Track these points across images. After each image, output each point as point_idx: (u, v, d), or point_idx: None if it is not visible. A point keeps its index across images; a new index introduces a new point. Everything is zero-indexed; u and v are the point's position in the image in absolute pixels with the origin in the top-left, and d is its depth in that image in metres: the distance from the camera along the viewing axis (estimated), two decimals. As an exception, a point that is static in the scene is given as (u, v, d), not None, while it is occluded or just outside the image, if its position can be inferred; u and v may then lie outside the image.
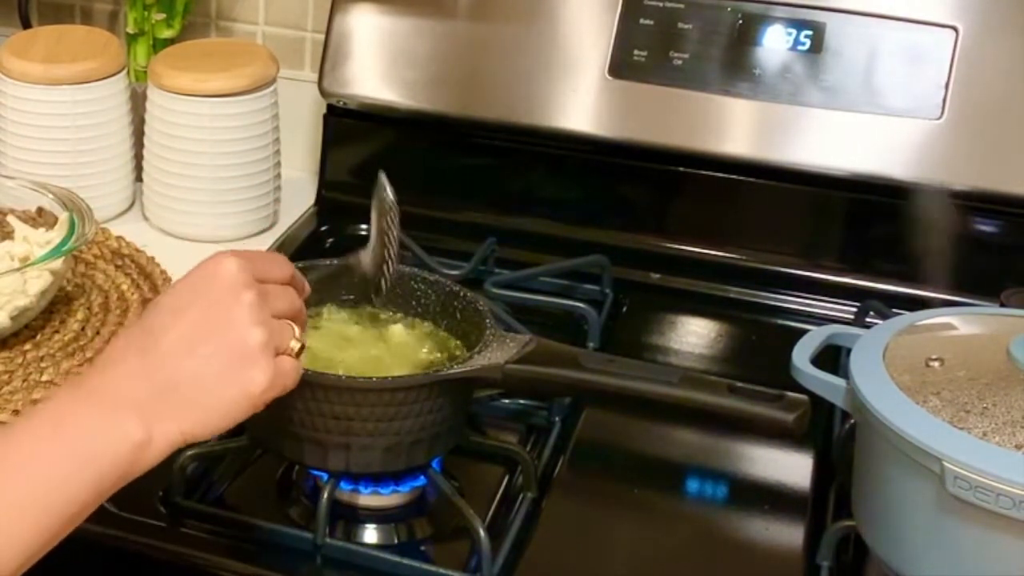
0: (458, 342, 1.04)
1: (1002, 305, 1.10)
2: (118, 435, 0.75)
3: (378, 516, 0.99)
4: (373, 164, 1.44)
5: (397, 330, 1.05)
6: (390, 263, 0.99)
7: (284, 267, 0.86)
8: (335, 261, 1.06)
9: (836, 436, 1.07)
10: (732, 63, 1.29)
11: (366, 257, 1.00)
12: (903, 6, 1.26)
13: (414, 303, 1.07)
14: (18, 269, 1.12)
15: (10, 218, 1.22)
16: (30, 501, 0.72)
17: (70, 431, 0.74)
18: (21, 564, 0.72)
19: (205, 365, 0.78)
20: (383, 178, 1.01)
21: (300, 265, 1.06)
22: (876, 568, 0.95)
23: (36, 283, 1.13)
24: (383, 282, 0.99)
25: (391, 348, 1.03)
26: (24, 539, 0.71)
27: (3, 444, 0.73)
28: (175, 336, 0.78)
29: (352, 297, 1.06)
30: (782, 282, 1.32)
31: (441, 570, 0.92)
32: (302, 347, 0.83)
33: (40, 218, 1.22)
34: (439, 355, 1.03)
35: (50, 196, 1.20)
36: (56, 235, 1.16)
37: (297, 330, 0.83)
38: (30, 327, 1.17)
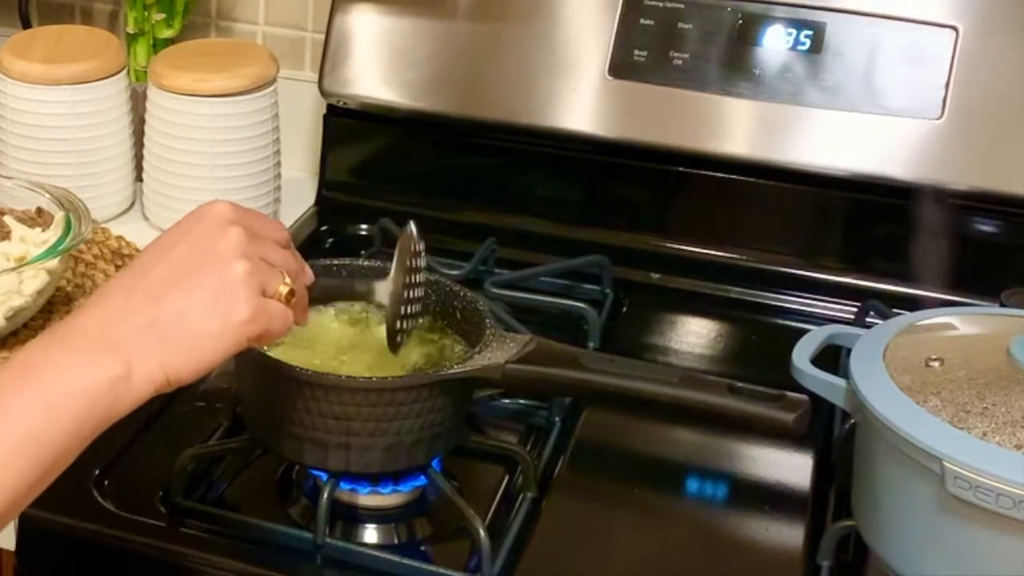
0: (457, 341, 1.04)
1: (1002, 305, 1.10)
2: (94, 372, 0.73)
3: (378, 516, 0.99)
4: (373, 164, 1.45)
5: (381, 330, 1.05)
6: (408, 322, 0.97)
7: (279, 230, 0.85)
8: (335, 262, 1.06)
9: (836, 436, 1.07)
10: (732, 63, 1.29)
11: (383, 294, 0.97)
12: (903, 6, 1.26)
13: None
14: (13, 269, 1.12)
15: (7, 218, 1.22)
16: (5, 449, 0.70)
17: (43, 375, 0.72)
18: (3, 512, 0.71)
19: (187, 298, 0.76)
20: (412, 228, 0.97)
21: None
22: (876, 568, 0.95)
23: (32, 283, 1.13)
24: (400, 337, 0.97)
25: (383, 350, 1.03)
26: (3, 487, 0.70)
27: None
28: (160, 273, 0.77)
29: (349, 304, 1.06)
30: (782, 282, 1.32)
31: (441, 570, 0.92)
32: (291, 292, 0.81)
33: (40, 218, 1.22)
34: (434, 351, 1.03)
35: (47, 196, 1.20)
36: (52, 235, 1.16)
37: (287, 276, 0.81)
38: (29, 327, 1.17)
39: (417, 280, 0.98)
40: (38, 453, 0.71)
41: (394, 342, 0.97)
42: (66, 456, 0.73)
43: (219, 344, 0.77)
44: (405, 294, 0.96)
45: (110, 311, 0.76)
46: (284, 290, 0.81)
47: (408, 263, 0.96)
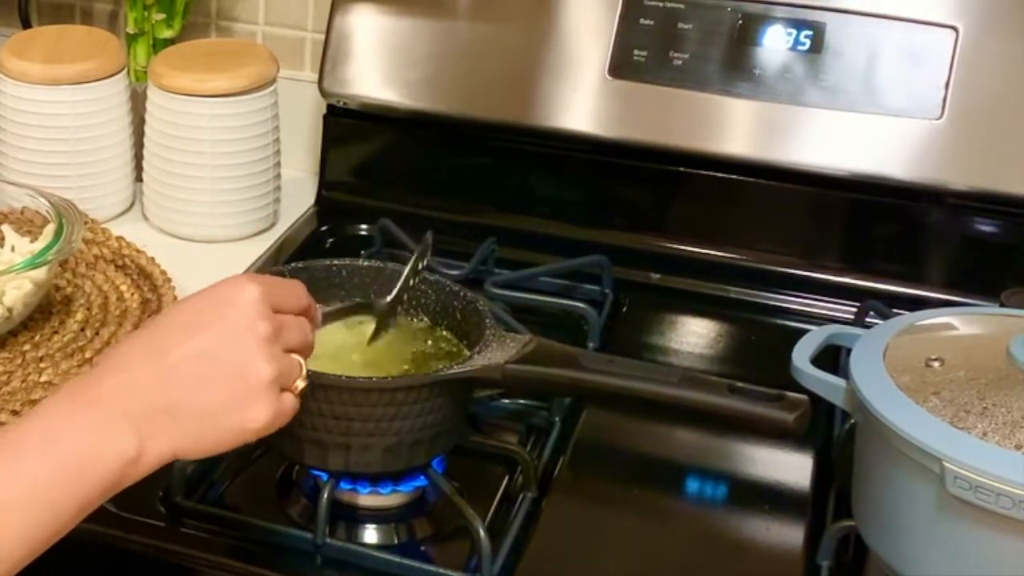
0: (457, 341, 1.04)
1: (1002, 305, 1.10)
2: (111, 450, 0.74)
3: (378, 516, 0.99)
4: (373, 164, 1.45)
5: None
6: (395, 319, 1.03)
7: (301, 298, 0.85)
8: (335, 262, 1.06)
9: (836, 436, 1.07)
10: (732, 63, 1.29)
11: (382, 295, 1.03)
12: (903, 6, 1.26)
13: (414, 303, 1.07)
14: None
15: (4, 226, 1.22)
16: (14, 510, 0.71)
17: (63, 447, 0.73)
18: (5, 571, 0.71)
19: (210, 391, 0.77)
20: (429, 239, 1.06)
21: (295, 265, 1.07)
22: (876, 568, 0.95)
23: (14, 293, 1.12)
24: (383, 332, 1.03)
25: (379, 349, 1.03)
26: (6, 545, 0.71)
27: None
28: (184, 355, 0.77)
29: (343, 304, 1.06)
30: (782, 282, 1.32)
31: (441, 570, 0.92)
32: (306, 386, 0.83)
33: (40, 226, 1.22)
34: (430, 346, 1.03)
35: (47, 204, 1.20)
36: (40, 245, 1.15)
37: (304, 368, 0.82)
38: (29, 328, 1.17)
39: (415, 283, 1.03)
40: (40, 515, 0.72)
41: (376, 336, 1.01)
42: (66, 523, 0.74)
43: (232, 440, 0.79)
44: (404, 296, 1.02)
45: (133, 385, 0.76)
46: (301, 385, 0.82)
47: (417, 268, 1.02)
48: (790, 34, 1.28)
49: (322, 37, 1.42)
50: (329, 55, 1.40)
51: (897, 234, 1.29)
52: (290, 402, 0.81)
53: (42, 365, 1.12)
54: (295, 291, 0.85)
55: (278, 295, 0.81)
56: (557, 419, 1.10)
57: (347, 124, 1.44)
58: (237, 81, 1.33)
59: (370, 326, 1.04)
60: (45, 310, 1.19)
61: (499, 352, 0.96)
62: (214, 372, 0.77)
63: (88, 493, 0.73)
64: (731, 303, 1.32)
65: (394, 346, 1.04)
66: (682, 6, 1.31)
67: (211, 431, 0.77)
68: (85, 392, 0.76)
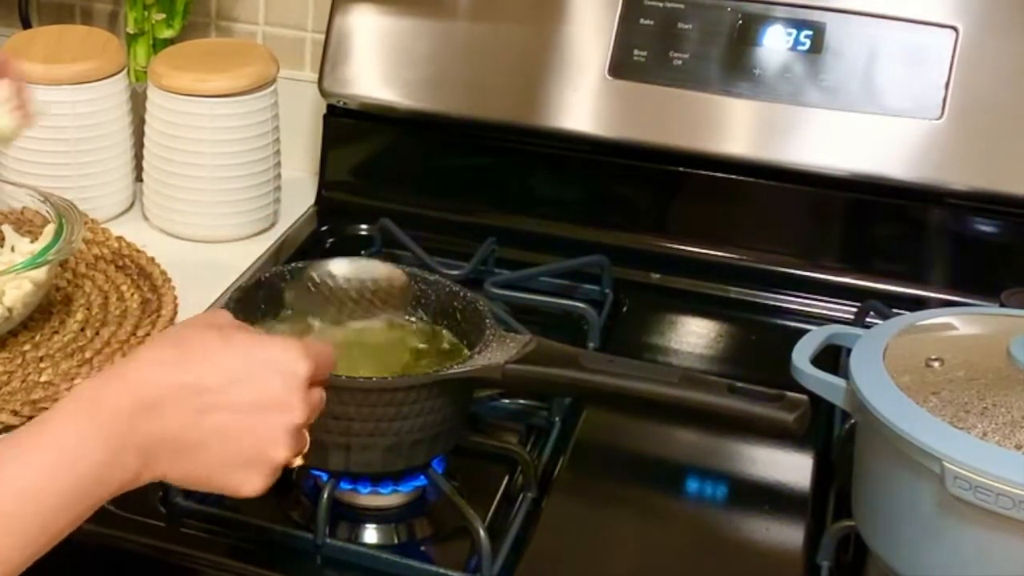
0: (457, 341, 1.04)
1: (1002, 305, 1.10)
2: (116, 476, 0.74)
3: (378, 516, 0.99)
4: (373, 164, 1.45)
5: (379, 329, 1.05)
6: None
7: (329, 370, 0.84)
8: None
9: (836, 436, 1.07)
10: (732, 63, 1.29)
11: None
12: (903, 6, 1.26)
13: (414, 303, 1.07)
14: None
15: (4, 226, 1.22)
16: (16, 519, 0.71)
17: (73, 468, 0.73)
18: (20, 565, 0.72)
19: (225, 449, 0.77)
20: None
21: (295, 265, 1.07)
22: (876, 568, 0.95)
23: (14, 293, 1.12)
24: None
25: (376, 347, 1.03)
26: (17, 546, 0.71)
27: (3, 450, 0.72)
28: (217, 407, 0.76)
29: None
30: (782, 282, 1.32)
31: (441, 570, 0.92)
32: (299, 466, 0.83)
33: (40, 226, 1.22)
34: (430, 346, 1.03)
35: (47, 204, 1.20)
36: (40, 245, 1.15)
37: (307, 446, 0.82)
38: (29, 328, 1.17)
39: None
40: (30, 529, 0.72)
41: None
42: (51, 540, 0.73)
43: (219, 491, 0.79)
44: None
45: (159, 422, 0.75)
46: (297, 463, 0.81)
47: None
48: (790, 34, 1.28)
49: (322, 37, 1.42)
50: (329, 55, 1.40)
51: (897, 234, 1.29)
52: (277, 474, 0.81)
53: (42, 365, 1.12)
54: (329, 363, 0.84)
55: (318, 371, 0.81)
56: (557, 419, 1.10)
57: (347, 124, 1.43)
58: (237, 81, 1.33)
59: (371, 324, 1.04)
60: (45, 310, 1.19)
61: (499, 352, 0.96)
62: (238, 436, 0.77)
63: (82, 512, 0.74)
64: (731, 303, 1.32)
65: (394, 346, 1.04)
66: (682, 6, 1.31)
67: (208, 480, 0.78)
68: (108, 412, 0.75)
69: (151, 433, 0.75)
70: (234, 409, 0.77)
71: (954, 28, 1.24)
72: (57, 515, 0.73)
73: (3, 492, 0.71)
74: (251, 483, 0.79)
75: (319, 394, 0.82)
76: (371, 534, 0.98)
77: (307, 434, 0.81)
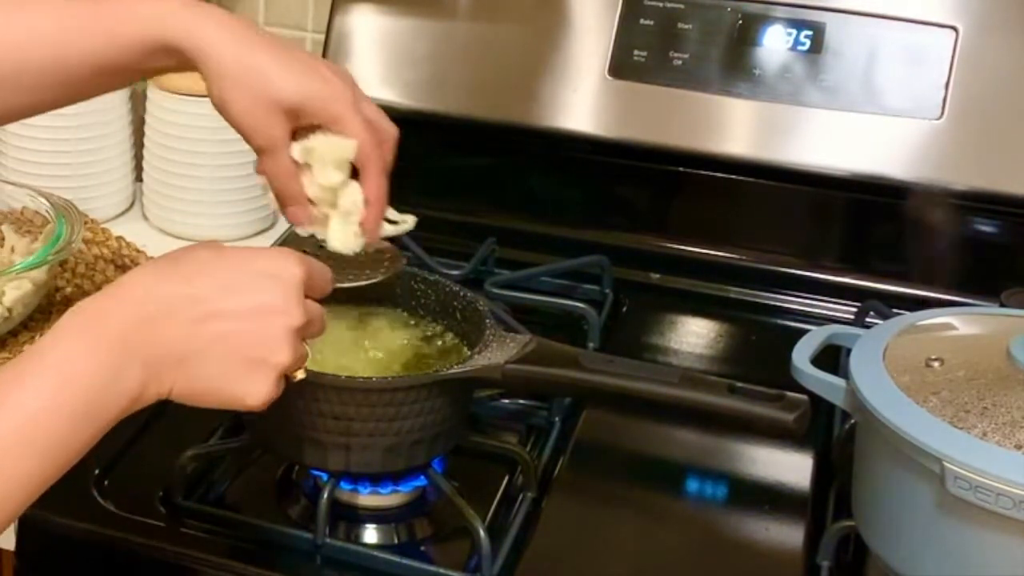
0: (457, 341, 1.04)
1: (1002, 305, 1.10)
2: (121, 392, 0.74)
3: (378, 516, 0.99)
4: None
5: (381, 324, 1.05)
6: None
7: (328, 287, 0.84)
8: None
9: (836, 436, 1.07)
10: (732, 63, 1.29)
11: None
12: (903, 6, 1.26)
13: (414, 303, 1.07)
14: None
15: (4, 226, 1.22)
16: (15, 445, 0.71)
17: (77, 385, 0.72)
18: (20, 503, 0.72)
19: (228, 357, 0.77)
20: None
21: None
22: (876, 568, 0.95)
23: (14, 293, 1.12)
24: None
25: (379, 348, 1.03)
26: (17, 478, 0.71)
27: (7, 379, 0.72)
28: (215, 314, 0.77)
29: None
30: (782, 282, 1.32)
31: (441, 570, 0.92)
32: (303, 379, 0.83)
33: (40, 226, 1.22)
34: (430, 346, 1.03)
35: (47, 204, 1.20)
36: (40, 245, 1.15)
37: (308, 357, 0.82)
38: (29, 328, 1.17)
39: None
40: (44, 452, 0.72)
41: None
42: (67, 462, 0.73)
43: (225, 404, 0.79)
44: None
45: (159, 331, 0.75)
46: (300, 376, 0.82)
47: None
48: (790, 34, 1.28)
49: (322, 37, 1.42)
50: (329, 55, 1.40)
51: (897, 234, 1.29)
52: (282, 385, 0.81)
53: (42, 365, 1.12)
54: (325, 278, 0.84)
55: (312, 281, 0.81)
56: (557, 419, 1.10)
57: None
58: (237, 81, 1.33)
59: (375, 320, 1.04)
60: (45, 310, 1.19)
61: (499, 352, 0.96)
62: (238, 341, 0.77)
63: (94, 431, 0.74)
64: (731, 303, 1.32)
65: (394, 345, 1.04)
66: (682, 6, 1.31)
67: (213, 392, 0.78)
68: (106, 327, 0.74)
69: (151, 345, 0.75)
70: (231, 316, 0.77)
71: (954, 28, 1.24)
72: (69, 436, 0.72)
73: (13, 418, 0.71)
74: (256, 391, 0.78)
75: (317, 306, 0.81)
76: (371, 534, 0.98)
77: (308, 347, 0.81)
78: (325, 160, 0.91)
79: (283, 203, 0.95)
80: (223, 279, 0.78)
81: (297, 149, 0.91)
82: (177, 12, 0.89)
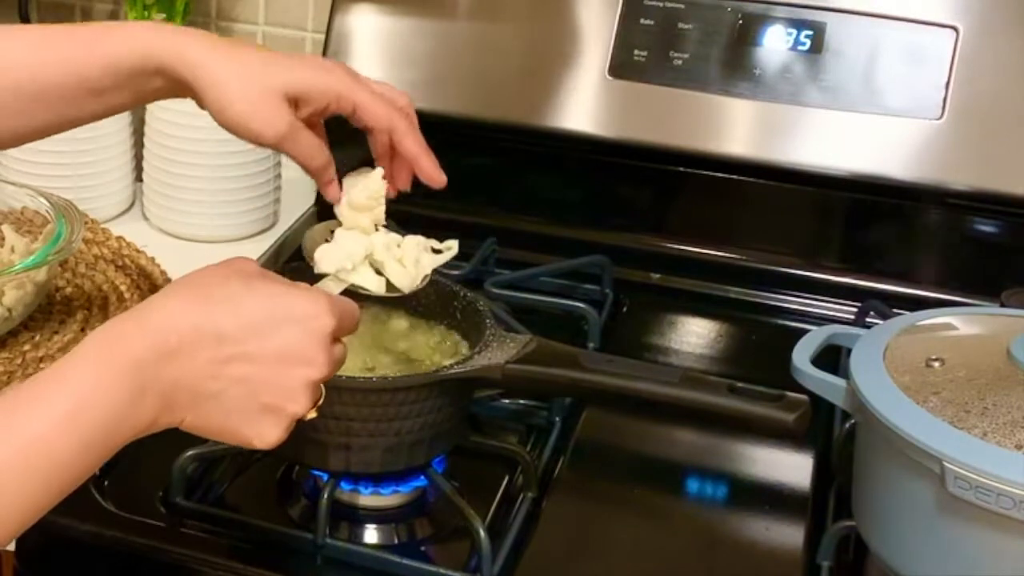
0: (457, 341, 1.04)
1: (1002, 305, 1.10)
2: (135, 419, 0.73)
3: (378, 516, 0.99)
4: (373, 164, 1.45)
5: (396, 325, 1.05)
6: None
7: (356, 326, 0.83)
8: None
9: (836, 436, 1.07)
10: (732, 63, 1.29)
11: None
12: (903, 6, 1.26)
13: (414, 303, 1.07)
14: None
15: (4, 226, 1.22)
16: (34, 466, 0.70)
17: (90, 415, 0.72)
18: (19, 525, 0.71)
19: (244, 398, 0.76)
20: None
21: (296, 264, 1.07)
22: (876, 568, 0.95)
23: (14, 293, 1.12)
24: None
25: (379, 348, 1.03)
26: (19, 499, 0.70)
27: (14, 409, 0.71)
28: (238, 356, 0.75)
29: None
30: (782, 282, 1.32)
31: (441, 570, 0.92)
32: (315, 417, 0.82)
33: (40, 226, 1.22)
34: (430, 346, 1.03)
35: (47, 204, 1.20)
36: (40, 245, 1.15)
37: (323, 398, 0.81)
38: (29, 328, 1.17)
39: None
40: (54, 474, 0.71)
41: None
42: (69, 486, 0.73)
43: (234, 442, 0.78)
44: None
45: (175, 360, 0.74)
46: (310, 416, 0.80)
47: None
48: (790, 34, 1.28)
49: (322, 37, 1.42)
50: (329, 55, 1.40)
51: (897, 234, 1.29)
52: (291, 430, 0.80)
53: (42, 365, 1.12)
54: (354, 320, 0.82)
55: (342, 327, 0.80)
56: (557, 419, 1.10)
57: (347, 124, 1.43)
58: (237, 81, 1.33)
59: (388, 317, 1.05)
60: (45, 310, 1.19)
61: (499, 352, 0.96)
62: (257, 387, 0.76)
63: (102, 455, 0.73)
64: (731, 303, 1.32)
65: (394, 345, 1.04)
66: (682, 6, 1.31)
67: (225, 430, 0.77)
68: (125, 355, 0.73)
69: (170, 380, 0.74)
70: (255, 360, 0.76)
71: (954, 28, 1.24)
72: (75, 460, 0.72)
73: (22, 439, 0.70)
74: (267, 436, 0.77)
75: (342, 349, 0.80)
76: (371, 534, 0.98)
77: (323, 387, 0.80)
78: (357, 204, 0.95)
79: (317, 179, 0.95)
80: (251, 318, 0.76)
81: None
82: (161, 32, 0.90)
